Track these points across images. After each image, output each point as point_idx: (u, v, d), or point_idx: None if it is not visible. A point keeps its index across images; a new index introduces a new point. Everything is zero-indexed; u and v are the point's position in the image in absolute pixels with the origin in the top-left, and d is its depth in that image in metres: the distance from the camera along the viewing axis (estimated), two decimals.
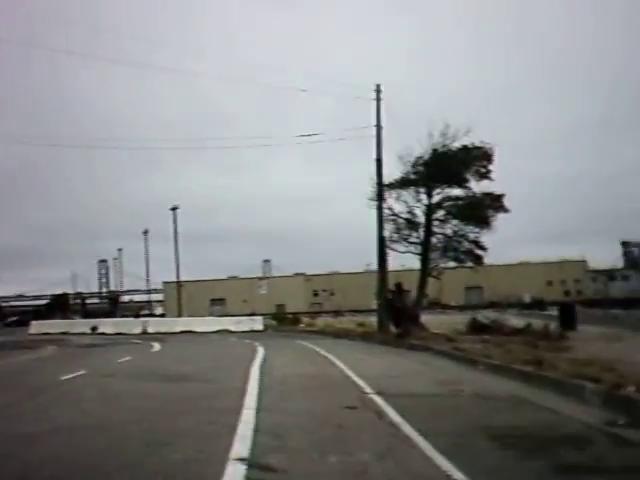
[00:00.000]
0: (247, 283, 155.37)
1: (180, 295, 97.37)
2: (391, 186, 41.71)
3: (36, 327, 66.84)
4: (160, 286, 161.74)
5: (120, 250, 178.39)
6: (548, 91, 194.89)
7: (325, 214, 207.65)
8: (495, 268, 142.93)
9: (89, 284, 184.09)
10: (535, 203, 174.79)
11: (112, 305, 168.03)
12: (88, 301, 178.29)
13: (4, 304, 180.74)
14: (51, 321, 73.20)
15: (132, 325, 60.67)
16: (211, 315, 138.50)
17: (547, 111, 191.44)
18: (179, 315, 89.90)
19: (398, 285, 40.99)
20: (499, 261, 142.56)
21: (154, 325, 60.36)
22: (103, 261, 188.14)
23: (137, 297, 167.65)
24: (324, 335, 47.95)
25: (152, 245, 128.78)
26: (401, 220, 42.86)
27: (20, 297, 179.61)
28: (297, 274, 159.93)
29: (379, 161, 41.80)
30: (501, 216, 41.25)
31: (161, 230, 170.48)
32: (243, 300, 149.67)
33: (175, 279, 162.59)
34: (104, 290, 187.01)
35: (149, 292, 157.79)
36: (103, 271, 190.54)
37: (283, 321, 63.63)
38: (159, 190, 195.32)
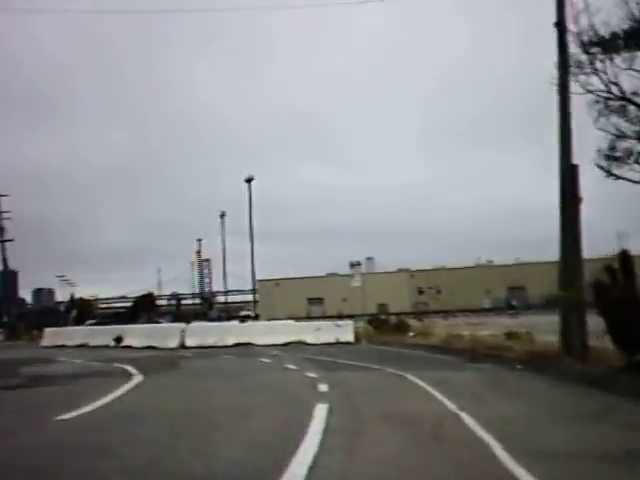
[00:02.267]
0: (347, 281, 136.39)
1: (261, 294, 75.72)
2: (607, 46, 18.79)
3: (50, 337, 46.96)
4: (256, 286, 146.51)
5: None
6: None
7: (431, 208, 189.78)
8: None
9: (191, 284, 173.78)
10: None
11: (207, 306, 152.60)
12: (187, 302, 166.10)
13: (104, 305, 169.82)
14: (71, 328, 52.44)
15: (169, 334, 39.64)
16: (309, 315, 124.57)
17: None
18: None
19: (625, 258, 18.03)
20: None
21: (199, 334, 39.17)
22: (205, 261, 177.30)
23: (234, 297, 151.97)
24: (451, 354, 26.66)
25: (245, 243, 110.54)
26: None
27: (123, 298, 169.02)
28: (400, 270, 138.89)
29: (561, 24, 19.63)
30: None
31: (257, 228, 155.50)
32: (342, 299, 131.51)
33: (271, 277, 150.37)
34: (206, 290, 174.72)
35: (242, 292, 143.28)
36: (206, 271, 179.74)
37: (383, 326, 41.42)
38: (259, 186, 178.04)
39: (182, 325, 41.13)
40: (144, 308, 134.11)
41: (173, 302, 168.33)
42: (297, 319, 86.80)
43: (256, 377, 20.56)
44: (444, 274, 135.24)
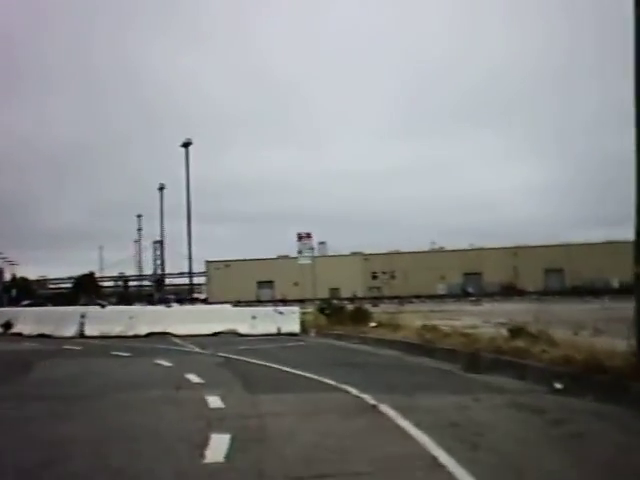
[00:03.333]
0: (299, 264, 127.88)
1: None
2: None
3: None
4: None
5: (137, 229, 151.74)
6: None
7: (386, 191, 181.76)
8: (576, 247, 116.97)
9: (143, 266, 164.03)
10: None
11: (156, 288, 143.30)
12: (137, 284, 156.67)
13: (53, 286, 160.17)
14: None
15: (66, 321, 30.11)
16: (258, 299, 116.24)
17: None
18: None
19: None
20: (583, 239, 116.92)
21: (104, 321, 29.64)
22: (158, 242, 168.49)
23: (182, 280, 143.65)
24: (436, 356, 17.94)
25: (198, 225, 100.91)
26: None
27: (71, 279, 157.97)
28: (354, 253, 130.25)
29: None
30: None
31: (204, 210, 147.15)
32: (294, 283, 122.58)
33: (220, 259, 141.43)
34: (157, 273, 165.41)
35: (194, 274, 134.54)
36: (158, 252, 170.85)
37: (337, 314, 32.25)
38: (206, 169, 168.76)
39: (82, 309, 31.47)
40: (85, 289, 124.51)
41: (120, 283, 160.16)
42: (246, 303, 78.35)
43: (118, 402, 11.48)
44: (398, 259, 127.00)
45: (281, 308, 31.69)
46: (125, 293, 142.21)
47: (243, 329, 29.63)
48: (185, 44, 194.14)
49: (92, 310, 31.51)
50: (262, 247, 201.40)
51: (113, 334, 28.93)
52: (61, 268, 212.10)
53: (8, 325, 32.40)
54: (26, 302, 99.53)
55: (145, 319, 29.91)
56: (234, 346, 23.35)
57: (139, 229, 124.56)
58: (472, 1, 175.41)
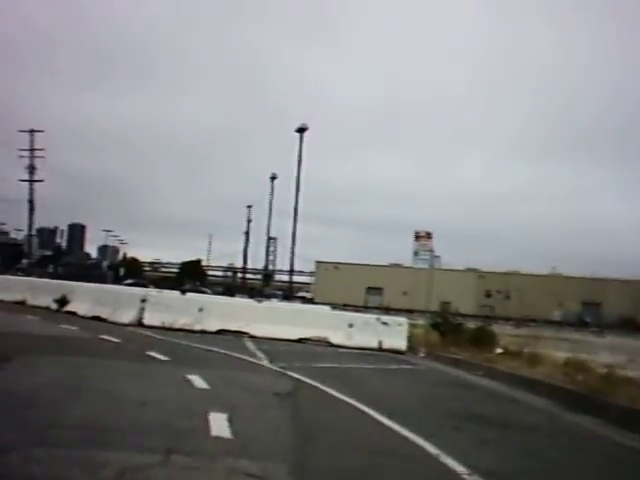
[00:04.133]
0: (410, 273, 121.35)
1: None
2: None
3: None
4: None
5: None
6: None
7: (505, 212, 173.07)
8: None
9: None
10: None
11: (265, 282, 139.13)
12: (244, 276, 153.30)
13: (165, 270, 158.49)
14: (14, 279, 36.11)
15: (124, 304, 24.19)
16: (366, 305, 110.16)
17: None
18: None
19: None
20: None
21: (167, 309, 23.52)
22: (272, 239, 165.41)
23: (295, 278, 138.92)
24: (615, 423, 11.00)
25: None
26: None
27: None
28: (469, 269, 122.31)
29: None
30: None
31: (320, 212, 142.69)
32: (403, 292, 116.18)
33: (330, 260, 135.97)
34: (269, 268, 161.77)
35: (303, 273, 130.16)
36: (272, 248, 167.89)
37: (453, 332, 25.45)
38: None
39: (143, 292, 25.33)
40: (190, 274, 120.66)
41: (229, 274, 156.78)
42: (354, 308, 71.98)
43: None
44: (515, 279, 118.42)
45: (385, 318, 25.02)
46: (232, 284, 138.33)
47: (336, 338, 23.26)
48: (315, 48, 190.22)
49: (154, 295, 25.43)
50: (373, 254, 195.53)
51: (176, 326, 22.98)
52: (175, 253, 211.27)
53: (64, 301, 26.94)
54: (129, 281, 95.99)
55: (218, 313, 23.77)
56: (317, 362, 17.01)
57: (249, 220, 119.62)
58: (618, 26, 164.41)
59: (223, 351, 17.34)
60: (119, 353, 15.20)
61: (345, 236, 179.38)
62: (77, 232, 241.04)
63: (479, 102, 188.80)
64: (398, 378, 16.18)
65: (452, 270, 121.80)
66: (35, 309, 27.18)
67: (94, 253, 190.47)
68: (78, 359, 13.18)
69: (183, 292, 33.61)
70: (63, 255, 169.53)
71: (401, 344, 23.38)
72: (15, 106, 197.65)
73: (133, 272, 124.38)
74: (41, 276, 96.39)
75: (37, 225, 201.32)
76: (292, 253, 62.19)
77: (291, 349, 20.44)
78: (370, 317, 25.38)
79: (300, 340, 23.02)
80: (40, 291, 28.76)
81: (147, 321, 23.31)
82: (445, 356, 21.89)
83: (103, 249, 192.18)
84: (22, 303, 28.72)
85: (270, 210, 76.67)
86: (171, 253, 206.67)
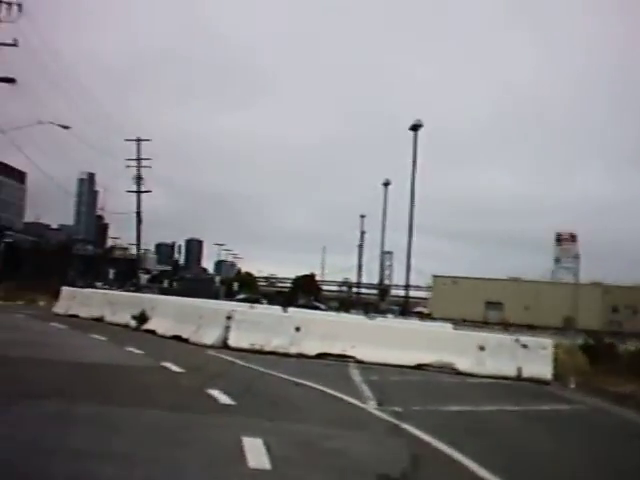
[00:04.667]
0: (531, 287, 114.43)
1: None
2: None
3: (66, 300, 28.49)
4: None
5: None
6: None
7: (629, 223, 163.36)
8: None
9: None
10: None
11: (380, 297, 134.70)
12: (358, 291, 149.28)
13: (280, 284, 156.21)
14: (91, 292, 31.12)
15: (209, 321, 19.92)
16: (485, 320, 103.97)
17: None
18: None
19: None
20: None
21: (257, 328, 19.10)
22: (387, 252, 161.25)
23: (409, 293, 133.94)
24: None
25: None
26: None
27: None
28: (594, 283, 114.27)
29: None
30: None
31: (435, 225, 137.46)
32: (525, 307, 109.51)
33: (447, 274, 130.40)
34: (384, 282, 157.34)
35: (419, 287, 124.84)
36: (388, 263, 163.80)
37: (605, 356, 20.29)
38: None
39: (229, 308, 20.65)
40: (304, 289, 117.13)
41: (344, 289, 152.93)
42: (472, 324, 66.55)
43: None
44: None
45: (525, 339, 19.82)
46: (347, 299, 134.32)
47: (463, 364, 18.44)
48: (427, 59, 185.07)
49: (242, 311, 20.91)
50: (490, 267, 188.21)
51: (268, 348, 18.65)
52: (291, 267, 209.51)
53: (143, 318, 23.05)
54: (241, 296, 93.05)
55: (319, 332, 19.24)
56: (443, 402, 12.37)
57: (362, 232, 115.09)
58: None
59: (317, 386, 12.85)
60: (167, 393, 10.86)
61: (461, 249, 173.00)
62: (194, 247, 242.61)
63: (595, 109, 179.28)
64: (552, 428, 11.30)
65: (576, 284, 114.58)
66: (111, 327, 23.56)
67: (211, 268, 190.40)
68: (96, 407, 8.91)
69: (284, 308, 29.34)
70: (180, 270, 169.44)
71: (545, 372, 18.36)
72: (134, 121, 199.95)
73: (247, 287, 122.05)
74: (164, 292, 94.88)
75: (156, 241, 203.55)
76: (408, 266, 57.48)
77: (408, 380, 15.81)
78: (505, 338, 20.39)
79: (418, 367, 18.33)
80: (120, 307, 25.02)
81: (233, 342, 19.04)
82: (602, 388, 16.87)
83: (219, 264, 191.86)
84: (100, 320, 25.18)
85: (384, 219, 72.05)
86: (287, 267, 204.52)
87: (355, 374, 15.75)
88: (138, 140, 73.11)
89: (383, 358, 18.40)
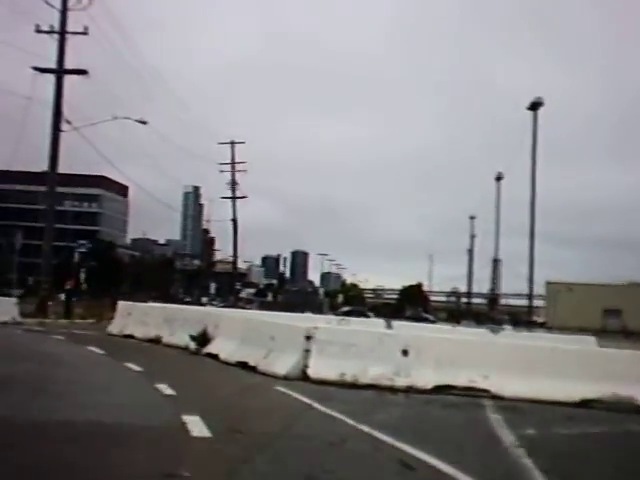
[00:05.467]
0: None
1: None
2: None
3: (122, 318, 23.20)
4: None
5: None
6: None
7: None
8: None
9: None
10: None
11: (490, 307, 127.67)
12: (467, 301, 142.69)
13: (387, 296, 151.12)
14: (148, 307, 24.59)
15: (283, 342, 14.29)
16: (604, 329, 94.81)
17: None
18: None
19: None
20: None
21: (346, 351, 13.40)
22: (496, 260, 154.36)
23: (518, 301, 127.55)
24: None
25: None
26: None
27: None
28: None
29: None
30: None
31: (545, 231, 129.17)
32: None
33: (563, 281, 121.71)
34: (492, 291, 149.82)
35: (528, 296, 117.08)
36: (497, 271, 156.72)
37: None
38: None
39: (308, 327, 14.42)
40: (411, 300, 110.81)
41: (452, 299, 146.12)
42: (594, 333, 59.22)
43: None
44: None
45: None
46: (456, 309, 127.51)
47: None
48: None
49: (327, 329, 14.80)
50: (603, 272, 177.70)
51: (365, 380, 12.86)
52: (397, 279, 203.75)
53: (204, 338, 17.52)
54: (345, 309, 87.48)
55: (434, 356, 13.24)
56: None
57: (472, 236, 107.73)
58: None
59: (439, 463, 6.98)
60: None
61: (572, 254, 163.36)
62: (300, 259, 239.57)
63: None
64: None
65: None
66: (165, 351, 18.32)
67: (317, 280, 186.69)
68: None
69: (388, 322, 23.25)
70: (286, 283, 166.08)
71: None
72: (233, 132, 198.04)
73: (353, 299, 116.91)
74: (266, 306, 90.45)
75: (262, 254, 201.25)
76: (531, 273, 50.79)
77: (586, 435, 9.80)
78: None
79: (583, 403, 12.29)
80: (179, 324, 19.52)
81: (314, 372, 13.28)
82: None
83: (325, 276, 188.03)
84: (157, 341, 19.89)
85: (498, 216, 65.41)
86: (394, 278, 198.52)
87: (498, 424, 9.78)
88: (232, 143, 68.69)
89: (531, 392, 12.42)
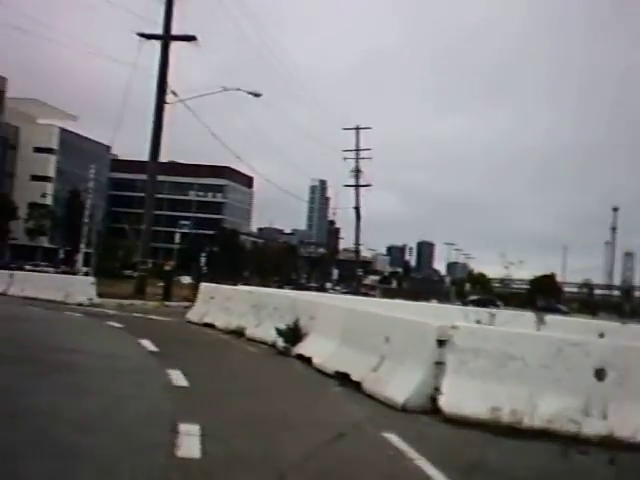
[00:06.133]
0: None
1: None
2: None
3: (204, 302, 18.70)
4: None
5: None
6: None
7: None
8: None
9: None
10: None
11: (625, 299, 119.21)
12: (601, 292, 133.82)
13: (515, 286, 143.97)
14: (231, 289, 18.64)
15: (401, 347, 9.03)
16: None
17: None
18: None
19: None
20: None
21: (499, 366, 8.31)
22: (629, 254, 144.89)
23: None
24: None
25: None
26: None
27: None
28: None
29: None
30: None
31: None
32: None
33: None
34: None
35: None
36: (629, 265, 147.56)
37: None
38: None
39: (437, 327, 8.97)
40: (543, 291, 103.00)
41: (585, 290, 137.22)
42: None
43: None
44: None
45: None
46: (590, 301, 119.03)
47: None
48: None
49: (470, 330, 9.40)
50: None
51: (533, 422, 7.61)
52: (524, 269, 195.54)
53: (295, 333, 12.55)
54: (473, 297, 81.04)
55: None
56: None
57: (613, 228, 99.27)
58: None
59: None
60: None
61: None
62: (426, 249, 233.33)
63: None
64: None
65: None
66: (249, 347, 13.49)
67: (443, 270, 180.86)
68: None
69: (540, 318, 17.36)
70: (411, 272, 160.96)
71: None
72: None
73: (480, 288, 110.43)
74: (390, 294, 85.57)
75: (387, 243, 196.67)
76: None
77: None
78: None
79: None
80: (267, 313, 14.58)
81: (449, 401, 8.06)
82: None
83: (452, 266, 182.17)
84: (239, 334, 15.05)
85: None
86: (521, 269, 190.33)
87: None
88: (357, 128, 63.74)
89: None
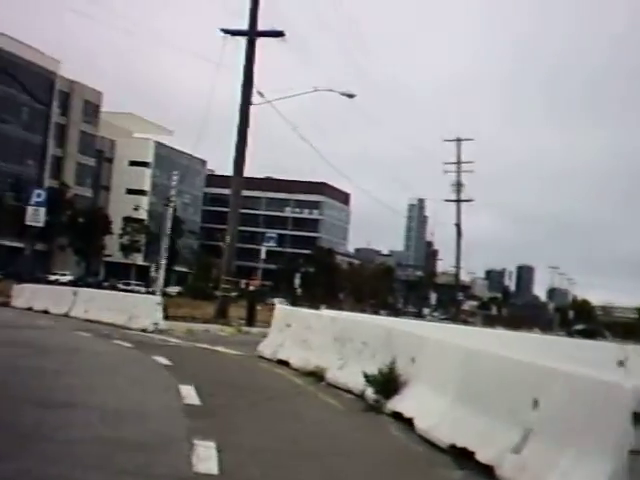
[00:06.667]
0: None
1: None
2: None
3: (277, 335, 14.04)
4: None
5: None
6: None
7: None
8: None
9: None
10: None
11: None
12: None
13: (618, 314, 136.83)
14: (312, 315, 13.99)
15: (560, 420, 5.56)
16: None
17: None
18: None
19: None
20: None
21: None
22: None
23: None
24: None
25: None
26: None
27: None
28: None
29: None
30: None
31: None
32: None
33: None
34: None
35: None
36: None
37: None
38: None
39: (637, 386, 5.60)
40: None
41: None
42: None
43: None
44: None
45: None
46: None
47: None
48: None
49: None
50: None
51: None
52: (629, 296, 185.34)
53: (391, 381, 8.70)
54: (579, 327, 74.70)
55: None
56: None
57: None
58: None
59: None
60: None
61: None
62: (525, 274, 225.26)
63: None
64: None
65: None
66: (329, 399, 9.63)
67: (543, 296, 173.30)
68: None
69: None
70: (510, 297, 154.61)
71: None
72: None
73: (583, 316, 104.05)
74: (490, 321, 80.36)
75: (485, 267, 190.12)
76: None
77: None
78: None
79: None
80: (353, 349, 10.57)
81: None
82: None
83: (552, 291, 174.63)
84: (319, 377, 11.19)
85: None
86: (624, 296, 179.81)
87: None
88: (458, 140, 59.57)
89: None
